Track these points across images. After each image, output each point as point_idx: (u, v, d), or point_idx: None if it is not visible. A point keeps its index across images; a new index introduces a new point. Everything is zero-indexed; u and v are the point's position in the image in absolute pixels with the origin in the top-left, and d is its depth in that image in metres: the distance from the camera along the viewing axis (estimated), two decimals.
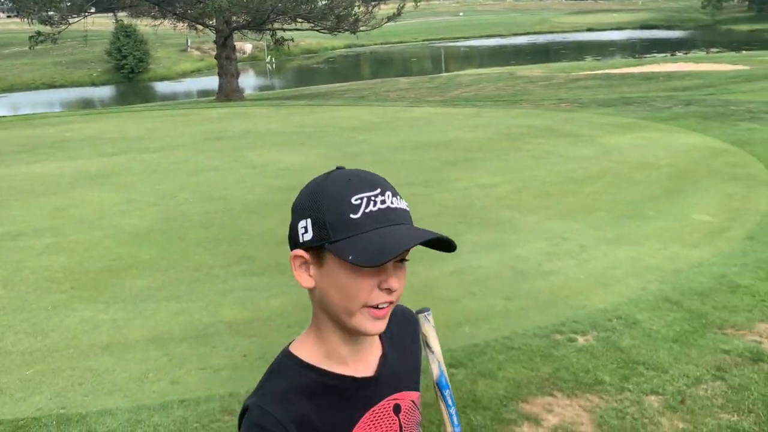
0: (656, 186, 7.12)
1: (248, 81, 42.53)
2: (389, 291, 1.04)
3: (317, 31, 21.53)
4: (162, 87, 40.14)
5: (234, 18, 19.62)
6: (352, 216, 1.01)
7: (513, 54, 50.11)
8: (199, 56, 51.27)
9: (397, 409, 1.15)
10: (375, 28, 21.76)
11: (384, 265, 1.00)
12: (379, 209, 1.02)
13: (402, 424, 1.15)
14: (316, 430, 1.06)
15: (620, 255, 5.16)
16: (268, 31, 22.16)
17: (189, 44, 51.09)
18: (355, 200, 1.01)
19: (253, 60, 54.49)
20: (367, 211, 1.01)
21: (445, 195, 7.13)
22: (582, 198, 6.84)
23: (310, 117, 13.57)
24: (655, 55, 41.67)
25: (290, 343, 1.13)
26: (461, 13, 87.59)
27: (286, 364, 1.10)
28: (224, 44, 20.22)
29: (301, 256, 1.05)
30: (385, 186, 1.05)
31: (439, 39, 68.04)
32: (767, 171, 7.45)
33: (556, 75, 25.53)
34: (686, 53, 40.52)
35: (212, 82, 41.41)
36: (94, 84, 40.64)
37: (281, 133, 11.51)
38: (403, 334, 1.19)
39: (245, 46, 54.12)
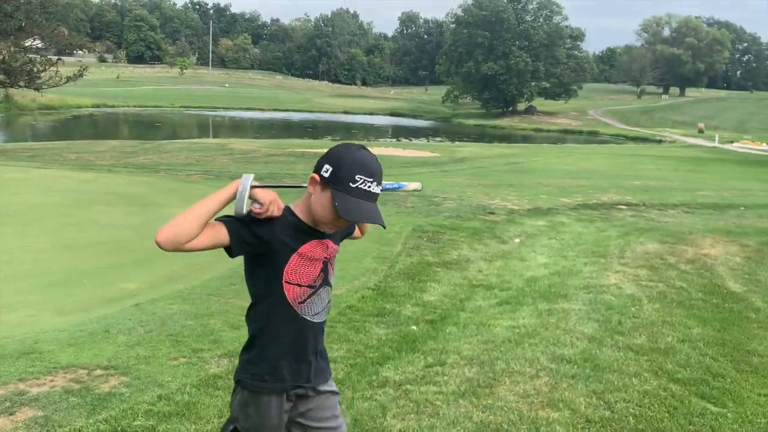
0: (123, 256, 7.23)
1: None
2: (339, 221, 1.96)
3: None
4: None
5: None
6: (351, 184, 1.90)
7: (259, 128, 51.11)
8: None
9: (327, 246, 2.08)
10: (55, 86, 20.69)
11: None
12: (366, 189, 1.91)
13: (330, 254, 2.10)
14: (281, 240, 1.98)
15: None
16: None
17: None
18: (358, 178, 1.90)
19: None
20: (360, 186, 1.90)
21: None
22: (42, 263, 6.72)
23: None
24: (387, 139, 45.28)
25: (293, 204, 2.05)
26: (227, 85, 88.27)
27: (285, 208, 2.02)
28: None
29: (315, 178, 1.96)
30: (377, 177, 1.93)
31: (197, 107, 67.53)
32: None
33: (264, 149, 26.28)
34: (410, 140, 44.42)
35: None
36: None
37: None
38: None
39: None
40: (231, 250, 1.94)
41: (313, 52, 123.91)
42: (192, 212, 1.87)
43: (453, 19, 78.70)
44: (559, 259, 7.91)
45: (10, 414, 3.68)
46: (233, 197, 1.93)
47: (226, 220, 1.91)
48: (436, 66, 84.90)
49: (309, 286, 2.03)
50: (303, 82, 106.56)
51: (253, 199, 1.95)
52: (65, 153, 22.14)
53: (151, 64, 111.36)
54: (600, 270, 7.05)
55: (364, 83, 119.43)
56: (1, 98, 50.09)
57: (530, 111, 71.40)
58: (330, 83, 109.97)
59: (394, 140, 43.71)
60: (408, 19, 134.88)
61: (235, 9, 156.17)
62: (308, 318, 2.07)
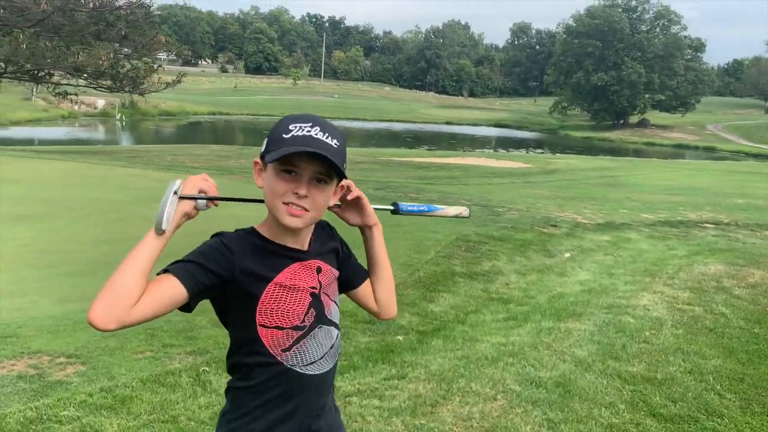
0: None
1: (78, 133, 41.33)
2: (298, 196, 1.48)
3: (94, 88, 21.41)
4: None
5: None
6: (284, 135, 1.47)
7: (362, 137, 51.94)
8: (44, 106, 49.45)
9: (318, 270, 1.62)
10: (155, 91, 21.91)
11: (299, 176, 1.49)
12: (304, 135, 1.46)
13: (321, 282, 1.62)
14: (246, 269, 1.52)
15: None
16: (48, 84, 21.75)
17: (35, 93, 49.00)
18: (292, 127, 1.48)
19: (104, 116, 53.07)
20: (295, 134, 1.46)
21: None
22: (73, 255, 6.98)
23: None
24: (484, 149, 44.51)
25: (257, 225, 1.60)
26: (336, 96, 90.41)
27: (246, 230, 1.58)
28: None
29: (257, 163, 1.57)
30: (319, 123, 1.50)
31: None
32: None
33: (350, 157, 26.51)
34: (508, 151, 43.50)
35: (39, 132, 40.00)
36: None
37: None
38: (323, 235, 1.68)
39: (97, 101, 52.94)
40: (187, 304, 1.49)
41: (422, 64, 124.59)
42: (125, 262, 1.43)
43: (564, 29, 76.42)
44: (602, 277, 7.29)
45: None
46: (171, 234, 1.49)
47: (171, 268, 1.48)
48: (544, 76, 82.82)
49: (295, 328, 1.56)
50: (409, 93, 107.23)
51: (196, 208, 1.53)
52: (164, 155, 23.36)
53: (268, 74, 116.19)
54: (637, 290, 6.40)
55: (472, 94, 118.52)
56: (126, 104, 54.06)
57: (643, 124, 67.88)
58: (436, 94, 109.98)
59: (491, 151, 42.89)
60: (519, 30, 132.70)
61: (349, 22, 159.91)
62: (299, 370, 1.57)
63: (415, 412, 3.48)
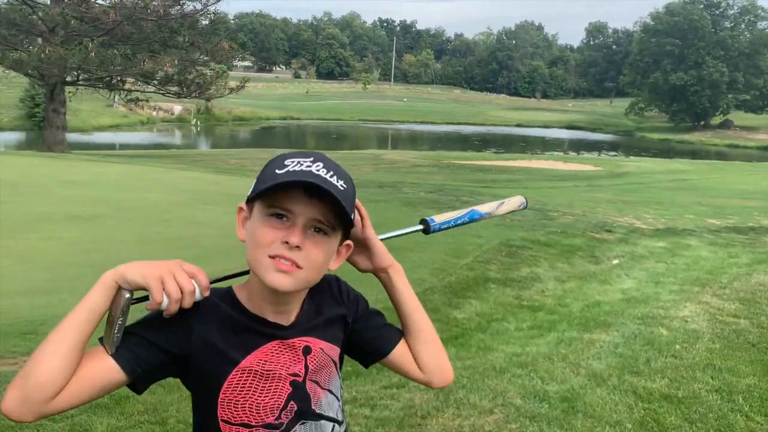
0: (190, 251, 7.47)
1: (154, 138, 43.11)
2: (289, 246, 1.13)
3: (162, 94, 22.18)
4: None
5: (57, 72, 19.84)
6: (277, 171, 1.13)
7: (430, 140, 51.83)
8: (124, 113, 51.60)
9: (306, 350, 1.26)
10: (220, 96, 22.47)
11: (292, 222, 1.14)
12: (301, 169, 1.13)
13: (309, 366, 1.26)
14: (208, 346, 1.18)
15: None
16: (121, 91, 22.70)
17: (116, 100, 51.17)
18: (288, 162, 1.15)
19: (180, 121, 54.95)
20: (291, 168, 1.13)
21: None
22: (110, 254, 7.17)
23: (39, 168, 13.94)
24: (554, 152, 43.46)
25: (236, 286, 1.26)
26: (405, 99, 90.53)
27: (220, 291, 1.23)
28: (52, 97, 20.62)
29: (242, 209, 1.22)
30: (322, 159, 1.17)
31: (374, 120, 69.92)
32: None
33: (413, 160, 26.53)
34: (579, 153, 42.36)
35: (118, 137, 41.94)
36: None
37: None
38: (323, 298, 1.32)
39: (174, 107, 54.87)
40: (133, 384, 1.18)
41: (493, 66, 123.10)
42: (49, 339, 1.08)
43: (641, 28, 73.81)
44: (647, 285, 6.88)
45: None
46: (106, 307, 1.09)
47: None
48: (620, 77, 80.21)
49: (267, 427, 1.22)
50: (480, 95, 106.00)
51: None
52: (228, 159, 23.99)
53: (339, 79, 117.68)
54: (681, 300, 5.99)
55: (545, 96, 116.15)
56: (201, 110, 55.87)
57: (726, 125, 64.60)
58: (508, 96, 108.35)
59: (561, 153, 41.86)
60: (595, 30, 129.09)
61: (420, 25, 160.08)
62: None
63: (403, 424, 3.33)
